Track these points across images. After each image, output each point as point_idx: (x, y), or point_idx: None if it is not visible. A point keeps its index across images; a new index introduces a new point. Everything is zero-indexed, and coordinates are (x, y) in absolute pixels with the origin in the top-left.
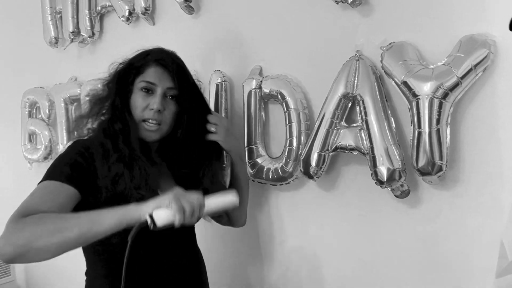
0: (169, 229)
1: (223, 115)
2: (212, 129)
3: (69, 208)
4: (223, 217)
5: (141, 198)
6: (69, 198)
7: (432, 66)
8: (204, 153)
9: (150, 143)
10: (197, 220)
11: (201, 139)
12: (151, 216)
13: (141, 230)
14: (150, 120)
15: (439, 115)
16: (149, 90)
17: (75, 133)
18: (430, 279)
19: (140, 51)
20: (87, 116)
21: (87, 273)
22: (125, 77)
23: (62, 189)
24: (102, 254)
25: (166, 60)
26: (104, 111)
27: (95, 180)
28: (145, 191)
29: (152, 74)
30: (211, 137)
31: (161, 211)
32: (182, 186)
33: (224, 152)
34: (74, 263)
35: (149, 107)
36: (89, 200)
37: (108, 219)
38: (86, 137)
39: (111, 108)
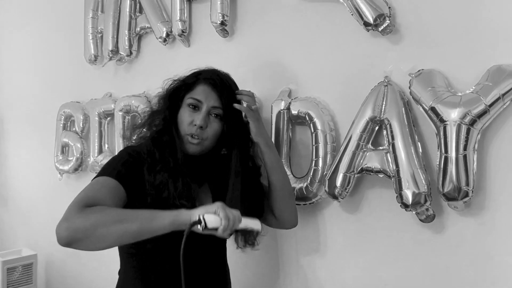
0: (204, 244)
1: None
2: (244, 102)
3: (121, 207)
4: (270, 217)
5: (181, 207)
6: (122, 197)
7: (460, 94)
8: (242, 174)
9: (194, 157)
10: (231, 234)
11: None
12: (203, 218)
13: (175, 244)
14: (193, 135)
15: (466, 141)
16: (195, 107)
17: (127, 140)
18: None
19: (194, 70)
20: (140, 126)
21: (120, 272)
22: (176, 93)
23: (115, 186)
24: (135, 257)
25: (216, 80)
26: (156, 123)
27: (141, 183)
28: (186, 201)
29: (200, 91)
30: (242, 108)
31: (210, 215)
32: (218, 200)
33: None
34: (89, 272)
35: (193, 123)
36: (133, 204)
37: (164, 218)
38: (137, 144)
39: (162, 121)
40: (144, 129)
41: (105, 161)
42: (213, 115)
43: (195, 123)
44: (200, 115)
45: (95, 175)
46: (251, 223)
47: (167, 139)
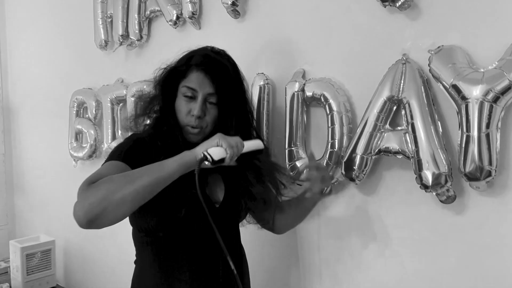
0: (217, 226)
1: (264, 117)
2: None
3: None
4: (268, 221)
5: (191, 195)
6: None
7: (482, 70)
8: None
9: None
10: (236, 158)
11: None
12: (207, 153)
13: (188, 231)
14: (191, 125)
15: (489, 119)
16: (191, 96)
17: (127, 129)
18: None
19: (186, 52)
20: (139, 115)
21: (136, 262)
22: (170, 81)
23: (122, 166)
24: (150, 245)
25: (208, 65)
26: (154, 111)
27: None
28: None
29: (193, 79)
30: (307, 194)
31: (214, 149)
32: (229, 186)
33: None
34: (108, 258)
35: (191, 113)
36: None
37: (170, 165)
38: (140, 132)
39: (159, 110)
40: (142, 118)
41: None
42: (210, 101)
43: (192, 113)
44: (196, 104)
45: None
46: (253, 144)
47: (166, 129)
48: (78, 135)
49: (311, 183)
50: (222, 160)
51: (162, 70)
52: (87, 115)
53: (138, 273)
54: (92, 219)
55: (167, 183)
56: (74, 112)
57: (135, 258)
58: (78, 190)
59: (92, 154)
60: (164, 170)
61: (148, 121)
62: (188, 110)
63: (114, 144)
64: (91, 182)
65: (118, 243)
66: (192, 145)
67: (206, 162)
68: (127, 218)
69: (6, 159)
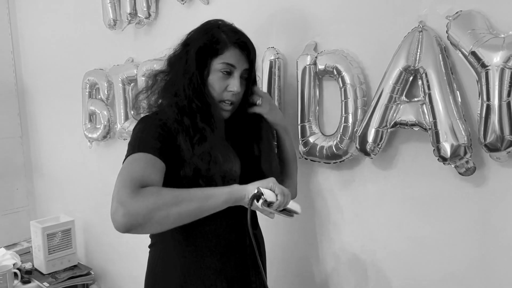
0: (237, 209)
1: (276, 93)
2: (259, 101)
3: (162, 181)
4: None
5: (223, 176)
6: (163, 171)
7: (503, 35)
8: (254, 129)
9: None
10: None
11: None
12: (260, 192)
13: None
14: (226, 101)
15: (510, 86)
16: (228, 72)
17: (140, 108)
18: (495, 263)
19: (210, 26)
20: (159, 94)
21: (154, 245)
22: (202, 57)
23: (156, 162)
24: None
25: (245, 42)
26: (176, 88)
27: (177, 155)
28: (226, 169)
29: (232, 56)
30: (256, 109)
31: (267, 190)
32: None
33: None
34: (126, 236)
35: (228, 89)
36: (170, 175)
37: (220, 196)
38: (153, 113)
39: (188, 86)
40: (156, 95)
41: (131, 128)
42: (243, 77)
43: (230, 89)
44: (235, 80)
45: (123, 142)
46: (295, 205)
47: (198, 105)
48: (91, 116)
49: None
50: (271, 203)
51: (182, 48)
52: (99, 96)
53: (160, 255)
54: (132, 228)
55: (209, 213)
56: (87, 93)
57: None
58: (118, 189)
59: (106, 134)
60: (212, 202)
61: (161, 100)
62: (225, 86)
63: (127, 125)
64: (135, 185)
65: None
66: (230, 123)
67: (260, 201)
68: None
69: (24, 142)
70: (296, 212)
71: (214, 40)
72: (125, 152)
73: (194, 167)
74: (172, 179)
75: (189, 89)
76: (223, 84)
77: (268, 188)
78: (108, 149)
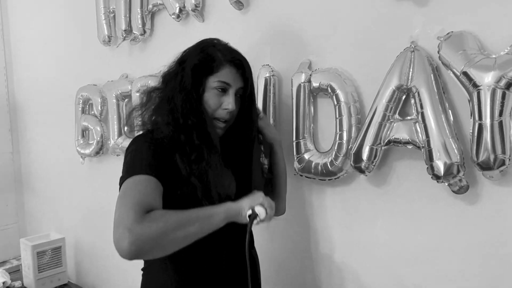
0: (234, 230)
1: (271, 110)
2: (261, 115)
3: (161, 202)
4: None
5: (219, 194)
6: (161, 193)
7: (494, 56)
8: (250, 147)
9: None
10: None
11: (248, 135)
12: (255, 213)
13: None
14: (220, 119)
15: (502, 106)
16: (223, 89)
17: (134, 125)
18: (490, 280)
19: (206, 44)
20: (153, 108)
21: (145, 269)
22: (198, 74)
23: (156, 184)
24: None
25: (240, 60)
26: (171, 105)
27: (174, 173)
28: (223, 188)
29: (227, 74)
30: (259, 122)
31: (259, 207)
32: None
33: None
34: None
35: (222, 107)
36: (170, 193)
37: (219, 214)
38: (147, 131)
39: (183, 103)
40: (150, 112)
41: (125, 144)
42: (238, 95)
43: (225, 107)
44: (230, 98)
45: (116, 158)
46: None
47: (193, 122)
48: (84, 132)
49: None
50: (263, 219)
51: (177, 65)
52: (92, 112)
53: (153, 278)
54: (138, 254)
55: (212, 231)
56: (80, 109)
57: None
58: (122, 214)
59: (99, 150)
60: (213, 221)
61: (157, 117)
62: (219, 104)
63: (121, 141)
64: (140, 211)
65: None
66: (223, 141)
67: (257, 220)
68: None
69: (15, 158)
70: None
71: (210, 58)
72: (118, 168)
73: (191, 186)
74: (169, 198)
75: (185, 106)
76: (218, 102)
77: (259, 204)
78: (101, 165)
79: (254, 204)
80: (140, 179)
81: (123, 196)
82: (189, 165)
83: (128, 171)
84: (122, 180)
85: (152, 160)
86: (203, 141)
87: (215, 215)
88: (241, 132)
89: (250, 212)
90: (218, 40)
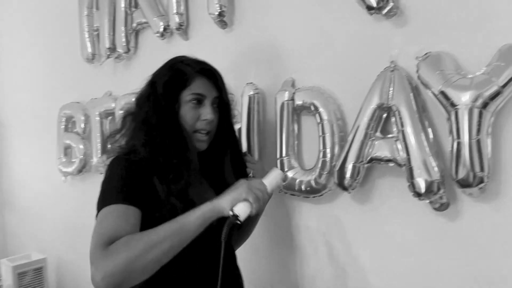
0: (213, 251)
1: (255, 128)
2: (251, 174)
3: (139, 227)
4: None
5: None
6: (137, 218)
7: (470, 76)
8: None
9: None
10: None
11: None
12: (234, 214)
13: (185, 252)
14: (201, 131)
15: (479, 125)
16: (199, 101)
17: (109, 147)
18: None
19: (173, 62)
20: (128, 132)
21: None
22: (170, 91)
23: (129, 211)
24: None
25: (210, 70)
26: (147, 126)
27: (155, 196)
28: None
29: (200, 85)
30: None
31: (240, 205)
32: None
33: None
34: None
35: (201, 118)
36: (149, 216)
37: (192, 222)
38: (124, 153)
39: (159, 122)
40: (127, 135)
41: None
42: (214, 105)
43: (204, 118)
44: (207, 108)
45: (100, 176)
46: (274, 179)
47: (171, 141)
48: (67, 150)
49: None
50: (249, 215)
51: (148, 87)
52: (75, 130)
53: None
54: (114, 286)
55: (189, 241)
56: (63, 126)
57: None
58: (91, 250)
59: (82, 168)
60: (186, 231)
61: (132, 140)
62: (197, 116)
63: (105, 158)
64: (104, 243)
65: None
66: (200, 153)
67: (237, 223)
68: None
69: None
70: (280, 182)
71: (180, 72)
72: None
73: (171, 206)
74: (148, 221)
75: (161, 125)
76: (195, 115)
77: (241, 200)
78: (83, 183)
79: (235, 201)
80: (110, 210)
81: (94, 230)
82: (167, 185)
83: (101, 201)
84: (97, 211)
85: (126, 186)
86: (181, 159)
87: (190, 223)
88: (222, 141)
89: (230, 216)
90: (185, 56)
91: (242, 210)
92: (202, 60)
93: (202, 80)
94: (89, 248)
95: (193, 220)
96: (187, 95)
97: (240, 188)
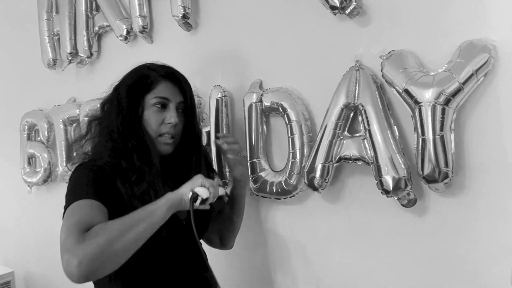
0: (182, 255)
1: (224, 130)
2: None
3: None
4: (215, 239)
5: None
6: (106, 214)
7: (433, 73)
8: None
9: (162, 158)
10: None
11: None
12: (193, 192)
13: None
14: (166, 135)
15: (442, 121)
16: (163, 105)
17: (75, 154)
18: None
19: (139, 67)
20: (93, 137)
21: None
22: (133, 95)
23: (97, 205)
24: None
25: (175, 74)
26: (110, 131)
27: (119, 198)
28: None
29: (164, 89)
30: (231, 159)
31: (200, 188)
32: None
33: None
34: (74, 286)
35: (165, 122)
36: (113, 217)
37: (161, 207)
38: (88, 160)
39: (122, 126)
40: (91, 140)
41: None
42: (179, 110)
43: (168, 121)
44: (171, 112)
45: (66, 185)
46: (221, 190)
47: (133, 144)
48: (31, 160)
49: (232, 166)
50: (207, 199)
51: (113, 91)
52: (39, 138)
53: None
54: (90, 273)
55: (159, 226)
56: (25, 135)
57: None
58: (63, 239)
59: (47, 178)
60: (157, 215)
61: (97, 146)
62: (161, 120)
63: (70, 167)
64: (79, 230)
65: None
66: (165, 156)
67: (198, 202)
68: None
69: None
70: (224, 196)
71: (144, 76)
72: None
73: (133, 209)
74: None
75: (124, 129)
76: (159, 118)
77: (199, 186)
78: (49, 193)
79: (194, 187)
80: (80, 203)
81: (64, 221)
82: (130, 187)
83: (69, 198)
84: (64, 209)
85: (93, 186)
86: (143, 162)
87: (158, 210)
88: (187, 146)
89: (190, 194)
90: (151, 63)
91: (201, 192)
92: (168, 65)
93: (167, 84)
94: (61, 238)
95: (160, 206)
96: (151, 99)
97: (195, 178)
